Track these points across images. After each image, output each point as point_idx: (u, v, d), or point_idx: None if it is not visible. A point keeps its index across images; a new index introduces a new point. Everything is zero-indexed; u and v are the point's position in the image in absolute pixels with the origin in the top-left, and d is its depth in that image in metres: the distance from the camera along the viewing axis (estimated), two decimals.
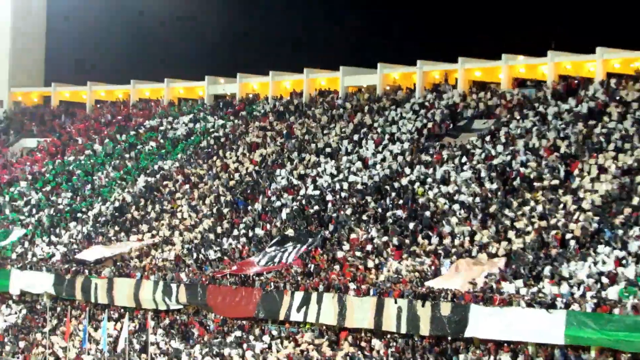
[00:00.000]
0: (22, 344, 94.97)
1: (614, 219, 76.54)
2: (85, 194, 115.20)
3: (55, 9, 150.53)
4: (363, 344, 78.70)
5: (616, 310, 66.10)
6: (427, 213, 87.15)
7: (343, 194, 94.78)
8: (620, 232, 74.38)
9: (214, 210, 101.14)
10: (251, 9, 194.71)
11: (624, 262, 71.11)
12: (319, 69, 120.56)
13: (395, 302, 76.31)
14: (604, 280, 69.83)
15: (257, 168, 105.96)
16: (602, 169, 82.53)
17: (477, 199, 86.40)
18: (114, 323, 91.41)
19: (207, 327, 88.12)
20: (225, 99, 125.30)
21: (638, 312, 65.15)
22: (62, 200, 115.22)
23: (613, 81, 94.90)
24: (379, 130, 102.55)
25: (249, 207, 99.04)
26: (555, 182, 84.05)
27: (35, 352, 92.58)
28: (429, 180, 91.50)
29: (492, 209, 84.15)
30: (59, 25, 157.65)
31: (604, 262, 71.83)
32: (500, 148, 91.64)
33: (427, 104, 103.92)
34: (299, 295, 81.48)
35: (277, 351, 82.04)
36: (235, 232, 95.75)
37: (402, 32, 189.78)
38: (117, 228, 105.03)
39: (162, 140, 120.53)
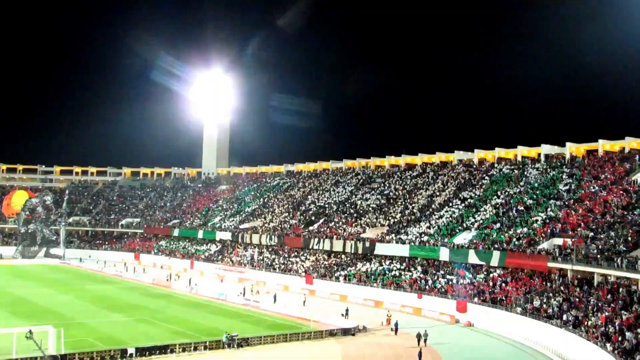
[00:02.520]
0: (219, 256, 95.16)
1: (426, 213, 77.08)
2: (245, 205, 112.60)
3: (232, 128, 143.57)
4: (339, 257, 78.69)
5: (426, 245, 66.79)
6: (361, 211, 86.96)
7: (329, 205, 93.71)
8: (429, 217, 74.94)
9: (287, 211, 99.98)
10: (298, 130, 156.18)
11: (428, 228, 71.77)
12: (314, 161, 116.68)
13: (350, 242, 76.63)
14: (423, 235, 70.52)
15: (301, 196, 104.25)
16: (419, 199, 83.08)
17: (377, 207, 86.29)
18: (251, 250, 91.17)
19: (285, 251, 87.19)
20: (292, 172, 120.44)
21: (430, 245, 65.94)
22: (228, 206, 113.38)
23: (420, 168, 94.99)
24: (342, 183, 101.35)
25: (299, 210, 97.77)
26: (402, 203, 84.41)
27: (225, 260, 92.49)
28: (360, 199, 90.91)
29: (383, 210, 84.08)
30: (235, 136, 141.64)
31: (422, 227, 72.49)
32: (387, 191, 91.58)
33: (358, 173, 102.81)
34: (315, 240, 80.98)
35: (308, 260, 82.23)
36: (295, 219, 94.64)
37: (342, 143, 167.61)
38: (251, 217, 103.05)
39: (265, 187, 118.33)
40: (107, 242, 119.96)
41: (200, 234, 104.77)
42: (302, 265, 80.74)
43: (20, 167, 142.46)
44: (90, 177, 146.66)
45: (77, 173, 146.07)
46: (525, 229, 60.24)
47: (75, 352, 38.83)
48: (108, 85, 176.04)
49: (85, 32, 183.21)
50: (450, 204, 75.80)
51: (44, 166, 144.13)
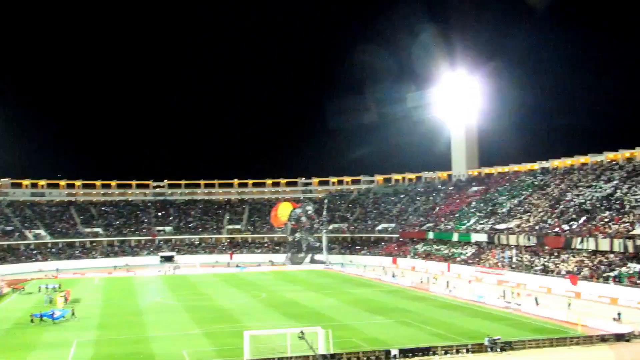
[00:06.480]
0: (476, 258, 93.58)
1: None
2: (499, 206, 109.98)
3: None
4: (605, 256, 72.62)
5: None
6: (628, 207, 79.72)
7: (591, 201, 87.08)
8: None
9: (544, 210, 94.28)
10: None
11: None
12: (570, 155, 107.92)
13: (618, 240, 70.43)
14: None
15: (559, 193, 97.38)
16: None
17: None
18: (508, 251, 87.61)
19: (544, 251, 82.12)
20: (546, 169, 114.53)
21: None
22: (481, 207, 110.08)
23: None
24: (604, 177, 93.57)
25: (557, 208, 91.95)
26: None
27: (482, 263, 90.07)
28: (626, 194, 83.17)
29: None
30: (483, 136, 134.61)
31: None
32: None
33: (622, 166, 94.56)
34: (578, 239, 75.59)
35: (571, 261, 77.23)
36: (553, 218, 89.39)
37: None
38: (506, 218, 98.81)
39: (519, 186, 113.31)
40: (365, 247, 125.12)
41: (455, 237, 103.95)
42: (565, 266, 76.18)
43: (283, 180, 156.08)
44: (346, 186, 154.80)
45: (333, 183, 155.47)
46: None
47: (343, 352, 40.94)
48: (355, 98, 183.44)
49: (330, 48, 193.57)
50: None
51: (303, 179, 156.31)
